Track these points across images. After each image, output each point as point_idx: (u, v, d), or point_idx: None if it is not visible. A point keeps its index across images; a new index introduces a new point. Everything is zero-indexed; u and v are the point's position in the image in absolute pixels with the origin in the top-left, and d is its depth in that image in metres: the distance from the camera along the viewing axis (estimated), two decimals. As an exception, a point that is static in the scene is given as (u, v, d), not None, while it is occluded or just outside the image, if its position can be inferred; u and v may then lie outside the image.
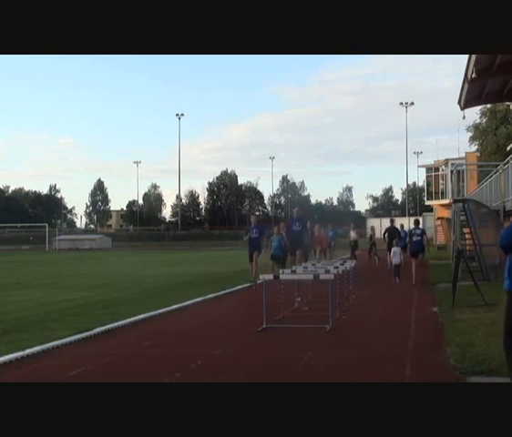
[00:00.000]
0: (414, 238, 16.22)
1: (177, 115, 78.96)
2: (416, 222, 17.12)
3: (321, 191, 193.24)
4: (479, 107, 42.26)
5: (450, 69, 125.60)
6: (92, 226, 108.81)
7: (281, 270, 11.20)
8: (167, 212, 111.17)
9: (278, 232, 16.70)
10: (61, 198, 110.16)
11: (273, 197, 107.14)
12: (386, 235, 19.54)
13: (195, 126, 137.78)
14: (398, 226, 20.22)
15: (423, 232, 16.65)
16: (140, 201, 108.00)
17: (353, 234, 26.41)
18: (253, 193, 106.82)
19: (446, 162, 42.08)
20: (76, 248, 60.02)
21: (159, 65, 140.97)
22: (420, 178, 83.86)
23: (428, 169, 47.43)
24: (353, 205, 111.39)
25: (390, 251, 18.09)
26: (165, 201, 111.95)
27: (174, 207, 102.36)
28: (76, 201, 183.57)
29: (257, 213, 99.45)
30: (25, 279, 19.53)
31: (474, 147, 48.76)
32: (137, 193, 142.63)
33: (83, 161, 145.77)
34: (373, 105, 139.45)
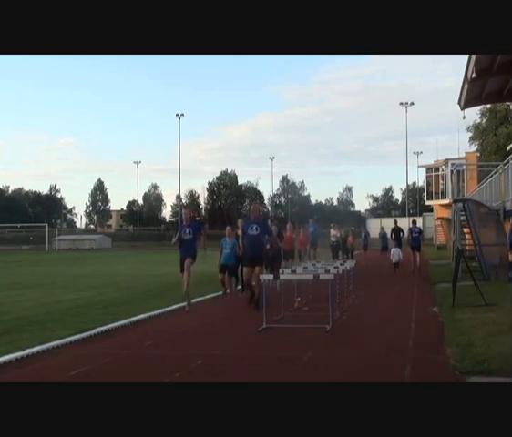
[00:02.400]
0: (414, 235, 19.70)
1: (177, 115, 78.70)
2: (414, 222, 21.11)
3: (321, 191, 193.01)
4: (479, 107, 42.38)
5: (450, 69, 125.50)
6: (92, 226, 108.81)
7: (280, 270, 11.11)
8: (167, 212, 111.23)
9: (231, 235, 13.10)
10: (61, 198, 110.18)
11: (273, 197, 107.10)
12: (393, 235, 21.68)
13: (195, 126, 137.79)
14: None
15: (420, 230, 20.68)
16: (140, 201, 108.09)
17: (333, 233, 23.64)
18: (253, 193, 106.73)
19: (446, 162, 42.13)
20: (76, 248, 60.01)
21: (159, 65, 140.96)
22: (420, 178, 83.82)
23: (428, 169, 47.46)
24: (353, 205, 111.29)
25: (397, 247, 20.74)
26: (165, 201, 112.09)
27: (174, 207, 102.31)
28: (76, 201, 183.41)
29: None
30: (25, 279, 19.54)
31: (474, 147, 48.81)
32: (137, 193, 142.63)
33: (83, 161, 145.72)
34: (373, 105, 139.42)
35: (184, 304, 11.28)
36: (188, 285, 11.16)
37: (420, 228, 21.11)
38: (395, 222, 23.00)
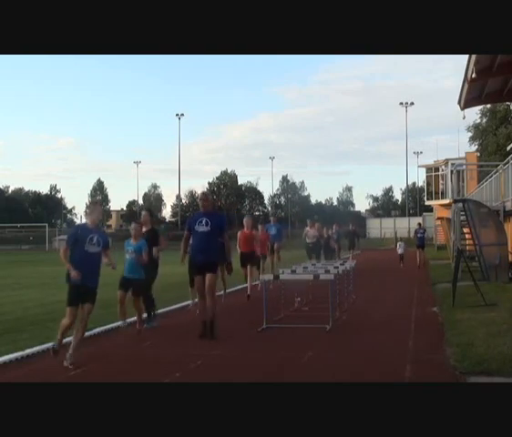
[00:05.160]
0: (419, 235, 23.05)
1: (177, 115, 78.91)
2: (419, 224, 24.65)
3: (321, 191, 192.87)
4: (479, 107, 42.43)
5: (450, 69, 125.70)
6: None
7: (280, 270, 11.04)
8: (167, 212, 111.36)
9: (138, 235, 8.93)
10: (61, 198, 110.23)
11: (273, 197, 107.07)
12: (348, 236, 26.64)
13: (195, 126, 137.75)
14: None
15: (424, 231, 24.16)
16: (140, 201, 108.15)
17: (310, 232, 19.05)
18: (253, 193, 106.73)
19: (446, 162, 42.12)
20: (76, 248, 59.84)
21: (159, 65, 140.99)
22: (420, 178, 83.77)
23: (428, 169, 47.47)
24: (353, 205, 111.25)
25: (352, 249, 25.75)
26: (165, 201, 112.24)
27: (174, 207, 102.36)
28: (77, 201, 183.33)
29: (256, 213, 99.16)
30: (25, 279, 19.53)
31: (474, 147, 48.83)
32: (137, 193, 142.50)
33: (83, 161, 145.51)
34: (374, 105, 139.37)
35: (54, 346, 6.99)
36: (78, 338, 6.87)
37: (424, 229, 24.86)
38: (351, 225, 27.77)
